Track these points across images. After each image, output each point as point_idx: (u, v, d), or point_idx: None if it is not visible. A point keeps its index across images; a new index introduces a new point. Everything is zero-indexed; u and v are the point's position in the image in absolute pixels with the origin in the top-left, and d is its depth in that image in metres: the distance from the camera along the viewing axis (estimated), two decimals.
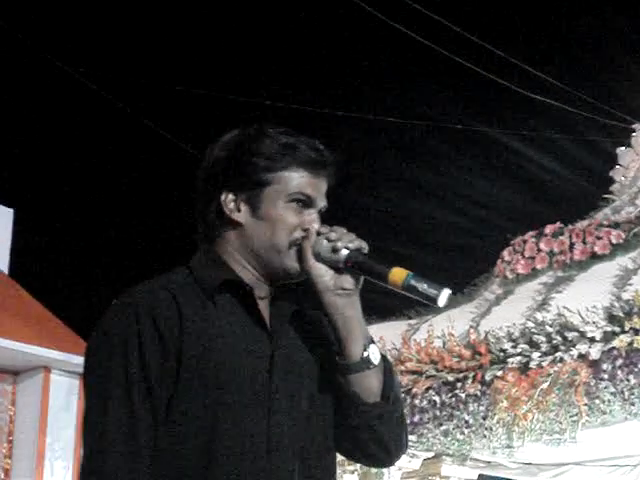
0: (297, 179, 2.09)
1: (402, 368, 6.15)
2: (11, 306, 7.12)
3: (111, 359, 1.98)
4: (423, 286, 2.02)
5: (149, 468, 1.96)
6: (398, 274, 2.03)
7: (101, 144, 12.42)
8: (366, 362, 2.06)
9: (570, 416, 5.69)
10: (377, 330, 6.70)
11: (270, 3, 11.77)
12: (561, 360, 5.72)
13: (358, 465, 6.38)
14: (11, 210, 8.25)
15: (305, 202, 2.10)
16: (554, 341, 5.75)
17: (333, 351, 2.10)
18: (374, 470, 6.43)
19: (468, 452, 6.33)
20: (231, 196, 2.09)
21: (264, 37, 11.92)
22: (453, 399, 6.02)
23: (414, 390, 6.08)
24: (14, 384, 7.20)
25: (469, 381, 5.96)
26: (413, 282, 2.02)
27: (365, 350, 2.07)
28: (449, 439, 6.10)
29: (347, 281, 2.06)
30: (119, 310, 2.02)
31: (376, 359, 2.08)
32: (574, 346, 5.69)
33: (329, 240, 2.05)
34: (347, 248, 2.05)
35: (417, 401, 6.08)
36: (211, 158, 2.12)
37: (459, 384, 6.00)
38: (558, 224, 7.04)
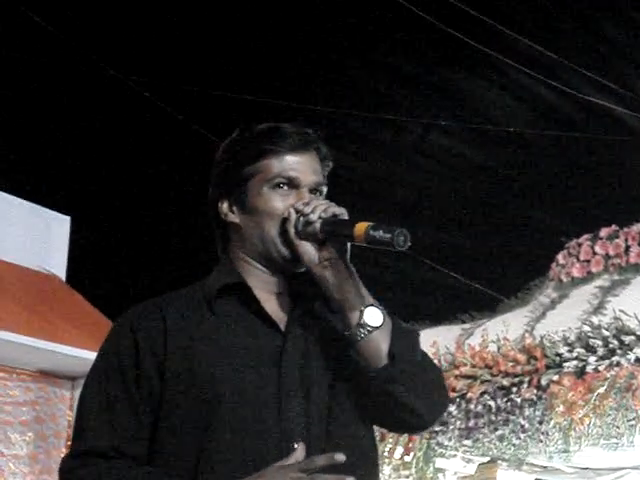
0: (276, 163, 2.09)
1: (456, 373, 6.13)
2: (68, 312, 7.21)
3: (94, 376, 2.06)
4: (380, 233, 2.00)
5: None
6: (360, 229, 2.01)
7: (156, 152, 12.53)
8: (363, 326, 2.01)
9: (627, 420, 5.64)
10: (430, 335, 6.69)
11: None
12: (618, 364, 5.67)
13: (413, 469, 6.38)
14: (67, 217, 8.34)
15: (289, 184, 2.10)
16: (611, 345, 5.71)
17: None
18: (429, 475, 6.43)
19: (524, 457, 6.30)
20: (225, 202, 2.12)
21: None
22: (509, 404, 6.00)
23: (469, 395, 6.06)
24: (72, 390, 7.29)
25: (525, 385, 5.94)
26: (372, 232, 2.00)
27: (361, 315, 2.02)
28: (505, 444, 6.07)
29: (328, 251, 2.04)
30: (112, 328, 2.11)
31: (376, 321, 2.02)
32: (631, 350, 5.64)
33: (303, 215, 2.05)
34: (319, 218, 2.04)
35: (472, 406, 6.06)
36: (211, 175, 2.17)
37: (514, 389, 5.97)
38: (613, 227, 6.98)
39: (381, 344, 2.02)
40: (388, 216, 11.79)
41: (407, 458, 6.38)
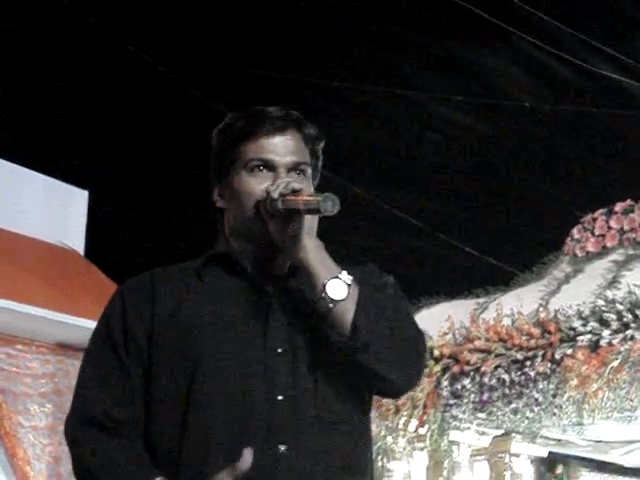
0: (252, 147, 2.13)
1: (471, 346, 6.16)
2: (86, 285, 7.26)
3: (90, 344, 2.16)
4: (311, 201, 2.03)
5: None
6: (299, 202, 2.05)
7: (174, 127, 12.55)
8: (326, 299, 2.03)
9: None
10: (445, 309, 6.73)
11: None
12: (632, 338, 5.69)
13: (428, 442, 6.43)
14: (85, 192, 8.39)
15: (265, 166, 2.13)
16: (624, 319, 5.72)
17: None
18: (443, 447, 6.47)
19: (538, 430, 6.33)
20: (216, 188, 2.19)
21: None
22: (522, 377, 6.02)
23: (483, 368, 6.09)
24: None
25: (538, 359, 5.96)
26: (305, 202, 2.04)
27: (324, 288, 2.03)
28: (519, 417, 6.10)
29: (290, 227, 2.06)
30: (106, 305, 2.18)
31: (339, 294, 2.03)
32: None
33: (268, 193, 2.08)
34: (280, 195, 2.06)
35: (486, 379, 6.09)
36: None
37: (528, 362, 5.99)
38: (628, 201, 6.98)
39: (345, 315, 2.02)
40: (402, 191, 11.80)
41: (421, 431, 6.42)
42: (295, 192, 2.06)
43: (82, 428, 2.07)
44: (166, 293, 2.11)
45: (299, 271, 2.11)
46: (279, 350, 2.04)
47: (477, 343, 6.18)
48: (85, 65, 12.06)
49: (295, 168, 2.14)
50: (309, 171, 2.18)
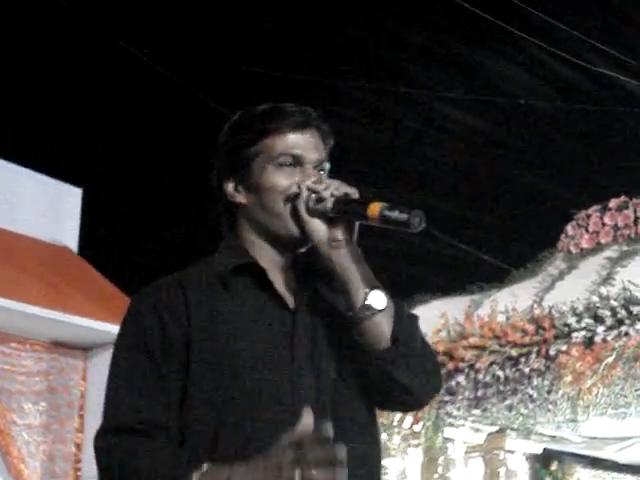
0: (279, 142, 2.10)
1: (465, 343, 6.16)
2: (80, 284, 7.25)
3: (122, 354, 2.08)
4: (395, 213, 1.99)
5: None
6: (374, 209, 2.01)
7: (169, 125, 12.54)
8: (368, 309, 2.03)
9: (635, 390, 5.66)
10: (440, 305, 6.72)
11: None
12: (626, 334, 5.70)
13: (422, 439, 6.43)
14: (79, 189, 8.37)
15: (293, 162, 2.11)
16: (619, 315, 5.73)
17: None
18: (438, 444, 6.47)
19: (532, 426, 6.34)
20: (230, 183, 2.14)
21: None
22: (517, 374, 6.03)
23: (477, 365, 6.10)
24: (85, 360, 7.35)
25: (533, 356, 5.96)
26: (386, 212, 2.00)
27: (366, 297, 2.03)
28: (513, 413, 6.11)
29: (338, 231, 2.04)
30: (132, 307, 2.11)
31: (380, 304, 2.04)
32: (639, 320, 5.67)
33: (315, 192, 2.05)
34: (332, 196, 2.03)
35: (480, 376, 6.10)
36: (212, 157, 2.19)
37: (523, 359, 6.00)
38: (622, 198, 6.98)
39: (384, 327, 2.04)
40: (399, 187, 11.79)
41: (416, 427, 6.43)
42: (347, 196, 2.04)
43: (116, 437, 2.01)
44: (199, 302, 2.07)
45: (322, 277, 2.10)
46: (304, 370, 2.05)
47: (471, 340, 6.18)
48: (80, 63, 12.04)
49: (319, 166, 2.13)
50: (327, 170, 2.17)
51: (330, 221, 2.05)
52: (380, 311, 2.04)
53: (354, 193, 2.05)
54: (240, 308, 2.06)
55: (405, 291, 7.30)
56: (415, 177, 12.37)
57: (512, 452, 6.64)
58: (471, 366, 6.13)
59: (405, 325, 2.08)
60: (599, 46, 9.43)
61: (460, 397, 6.19)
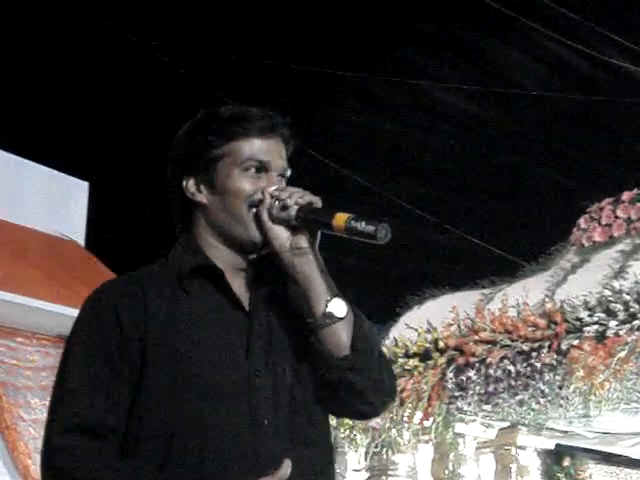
0: (246, 147, 2.11)
1: (476, 338, 6.11)
2: (87, 277, 7.21)
3: (78, 350, 2.07)
4: (362, 224, 2.02)
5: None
6: (340, 219, 2.04)
7: (177, 118, 12.49)
8: (329, 317, 2.06)
9: None
10: (450, 300, 6.66)
11: None
12: (639, 328, 5.63)
13: (433, 434, 6.37)
14: (86, 183, 8.35)
15: (259, 167, 2.11)
16: (631, 309, 5.66)
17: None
18: (449, 440, 6.42)
19: (544, 422, 6.28)
20: (191, 181, 2.13)
21: None
22: (528, 369, 5.97)
23: (488, 360, 6.03)
24: None
25: (544, 350, 5.90)
26: (353, 223, 2.02)
27: (327, 305, 2.06)
28: (524, 409, 6.05)
29: (301, 239, 2.07)
30: (91, 303, 2.11)
31: (340, 312, 2.07)
32: None
33: (279, 200, 2.07)
34: (296, 204, 2.06)
35: (491, 371, 6.03)
36: (170, 152, 2.20)
37: (534, 353, 5.94)
38: (635, 190, 6.91)
39: (343, 335, 2.07)
40: (409, 180, 11.73)
41: (426, 423, 6.37)
42: (311, 204, 2.06)
43: (72, 436, 1.99)
44: (156, 302, 2.06)
45: (276, 279, 2.12)
46: (260, 372, 2.06)
47: (482, 334, 6.12)
48: (86, 56, 12.01)
49: (283, 174, 2.14)
50: (287, 177, 2.17)
51: (293, 229, 2.07)
52: (340, 319, 2.07)
53: (318, 202, 2.07)
54: (197, 310, 2.07)
55: (416, 285, 7.25)
56: (426, 170, 12.31)
57: (524, 448, 6.60)
58: (482, 361, 6.07)
59: (364, 333, 2.10)
60: (613, 37, 9.35)
61: (471, 392, 6.13)
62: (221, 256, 2.13)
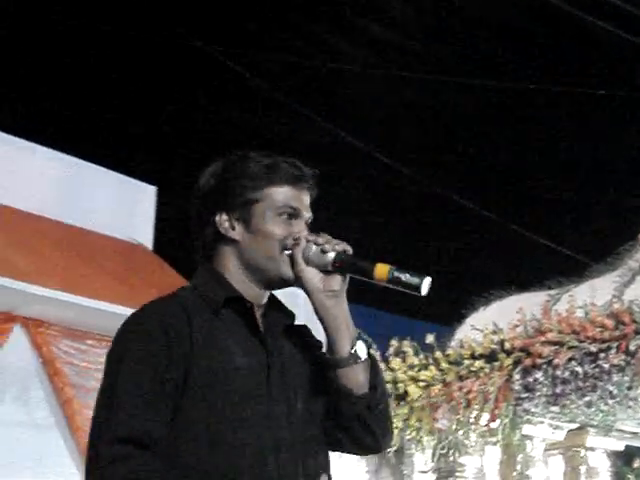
0: (282, 194, 2.30)
1: (542, 339, 6.06)
2: (155, 281, 7.29)
3: (128, 365, 2.16)
4: (406, 276, 2.18)
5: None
6: (382, 269, 2.19)
7: (242, 124, 12.57)
8: (354, 357, 2.26)
9: None
10: (516, 301, 6.63)
11: None
12: None
13: (500, 436, 6.34)
14: (154, 187, 8.43)
15: (291, 214, 2.30)
16: None
17: (317, 352, 2.34)
18: (516, 441, 6.38)
19: (613, 423, 6.21)
20: (224, 216, 2.30)
21: None
22: (596, 370, 5.90)
23: (555, 361, 5.98)
24: None
25: (612, 351, 5.83)
26: (397, 274, 2.18)
27: (353, 346, 2.26)
28: (593, 410, 5.99)
29: (335, 282, 2.25)
30: (135, 323, 2.22)
31: (363, 354, 2.27)
32: None
33: (317, 244, 2.25)
34: (334, 250, 2.23)
35: (559, 372, 5.98)
36: (202, 186, 2.36)
37: (602, 354, 5.87)
38: None
39: (363, 374, 2.28)
40: (473, 181, 11.65)
41: (493, 425, 6.34)
42: (345, 252, 2.24)
43: (123, 447, 2.07)
44: (199, 325, 2.20)
45: (287, 315, 2.34)
46: (279, 406, 2.23)
47: (549, 335, 6.07)
48: (152, 63, 12.13)
49: (308, 221, 2.34)
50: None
51: (325, 272, 2.25)
52: (363, 361, 2.27)
53: (349, 249, 2.26)
54: (229, 338, 2.22)
55: (482, 286, 7.22)
56: (490, 171, 12.23)
57: (593, 449, 6.52)
58: (549, 362, 6.02)
59: (379, 375, 2.33)
60: None
61: (538, 394, 6.08)
62: (246, 290, 2.29)
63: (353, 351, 2.26)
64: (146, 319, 2.22)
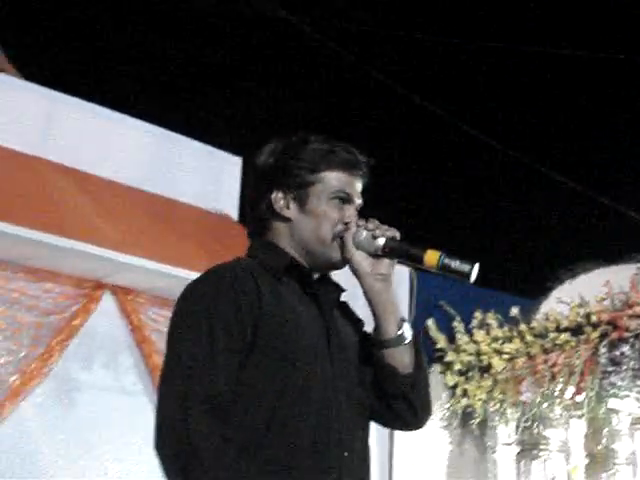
0: (337, 179, 2.41)
1: (630, 312, 6.00)
2: (240, 250, 7.31)
3: (196, 324, 2.25)
4: (456, 263, 2.23)
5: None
6: (432, 255, 2.26)
7: (332, 95, 12.56)
8: (400, 339, 2.37)
9: None
10: (603, 274, 6.56)
11: None
12: None
13: (585, 409, 6.29)
14: (239, 158, 8.48)
15: (345, 199, 2.40)
16: None
17: (363, 330, 2.43)
18: (601, 415, 6.33)
19: None
20: (280, 194, 2.41)
21: None
22: None
23: None
24: None
25: None
26: (446, 261, 2.24)
27: (399, 328, 2.37)
28: None
29: (383, 266, 2.34)
30: (210, 282, 2.32)
31: (409, 336, 2.38)
32: None
33: (367, 230, 2.33)
34: (384, 236, 2.32)
35: None
36: (261, 163, 2.45)
37: None
38: None
39: (409, 355, 2.39)
40: (557, 152, 11.48)
41: (578, 398, 6.29)
42: (395, 237, 2.33)
43: (198, 405, 2.12)
44: (265, 288, 2.28)
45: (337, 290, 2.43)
46: (340, 369, 2.32)
47: (637, 309, 6.01)
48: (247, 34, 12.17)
49: (357, 208, 2.44)
50: None
51: (374, 256, 2.35)
52: (409, 342, 2.38)
53: (398, 235, 2.34)
54: (293, 302, 2.31)
55: (568, 259, 7.15)
56: (575, 142, 12.06)
57: None
58: (636, 336, 5.96)
59: (422, 356, 2.44)
60: None
61: (624, 367, 6.03)
62: (301, 263, 2.39)
63: (400, 333, 2.37)
64: (214, 278, 2.31)
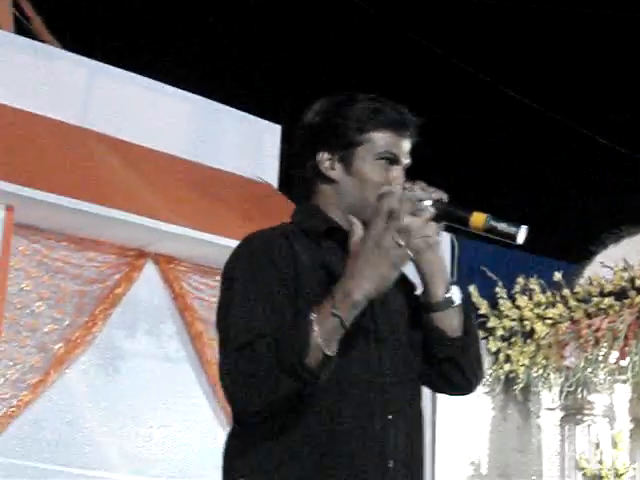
0: (384, 139, 2.32)
1: None
2: (280, 219, 7.32)
3: (249, 275, 2.23)
4: (502, 225, 2.18)
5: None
6: (478, 217, 2.20)
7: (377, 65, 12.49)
8: (449, 301, 2.32)
9: None
10: None
11: None
12: None
13: (629, 373, 6.25)
14: (279, 126, 8.47)
15: (391, 160, 2.32)
16: None
17: (412, 291, 2.38)
18: None
19: None
20: (326, 155, 2.33)
21: None
22: None
23: None
24: None
25: None
26: (493, 223, 2.19)
27: (448, 291, 2.32)
28: None
29: (430, 228, 2.23)
30: (243, 248, 2.30)
31: (457, 299, 2.33)
32: None
33: (414, 192, 2.23)
34: (430, 199, 2.23)
35: None
36: (307, 122, 2.38)
37: None
38: None
39: (457, 318, 2.33)
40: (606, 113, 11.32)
41: (622, 363, 6.25)
42: (441, 200, 2.24)
43: (253, 343, 2.10)
44: (302, 250, 2.25)
45: None
46: (385, 340, 2.26)
47: None
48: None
49: (405, 168, 2.36)
50: None
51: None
52: (457, 305, 2.33)
53: (445, 198, 2.25)
54: (333, 264, 2.25)
55: (613, 223, 7.08)
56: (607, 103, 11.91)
57: None
58: None
59: (472, 319, 2.39)
60: None
61: None
62: (343, 226, 2.29)
63: (448, 295, 2.32)
64: (251, 244, 2.29)
